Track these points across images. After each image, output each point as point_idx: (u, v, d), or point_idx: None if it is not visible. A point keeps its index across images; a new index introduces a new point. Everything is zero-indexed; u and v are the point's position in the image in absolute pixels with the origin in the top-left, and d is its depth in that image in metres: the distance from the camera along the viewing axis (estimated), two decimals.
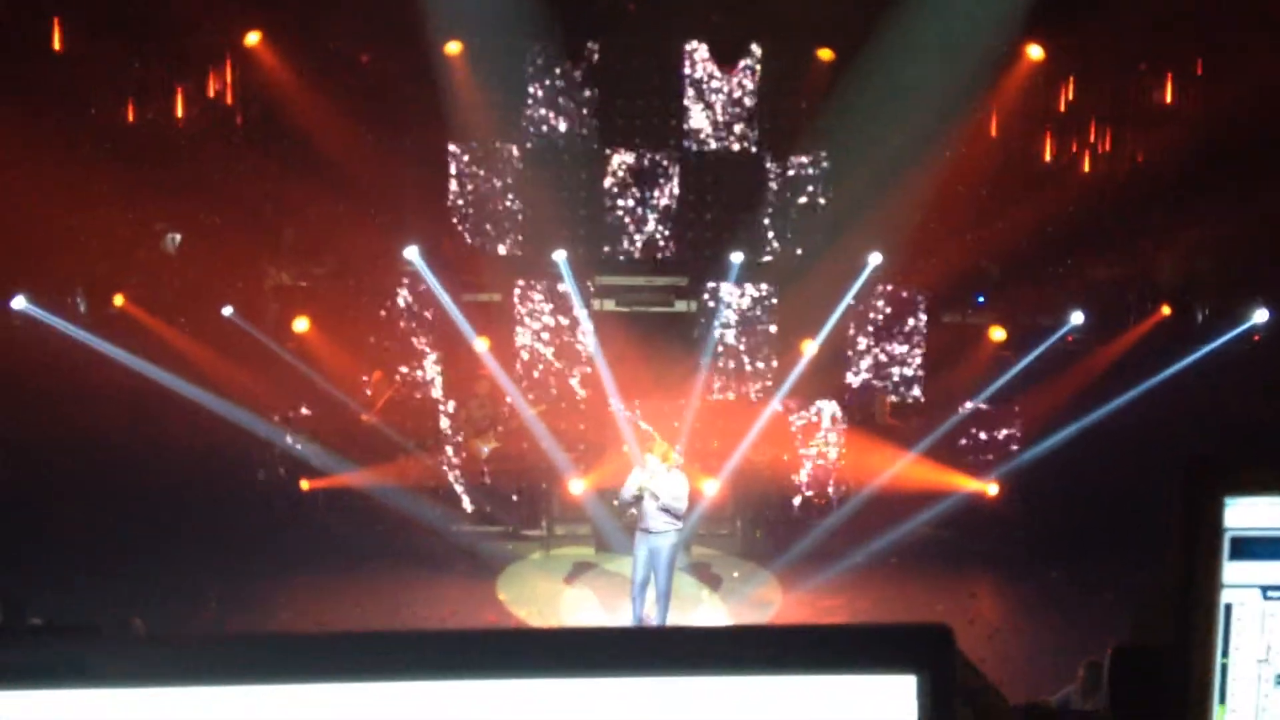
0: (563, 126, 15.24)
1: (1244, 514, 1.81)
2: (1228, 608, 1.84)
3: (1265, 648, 1.86)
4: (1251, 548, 1.82)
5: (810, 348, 14.20)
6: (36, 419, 12.11)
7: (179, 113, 14.63)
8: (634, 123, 15.39)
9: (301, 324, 14.39)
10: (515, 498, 13.99)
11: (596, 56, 15.02)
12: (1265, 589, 1.84)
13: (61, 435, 12.34)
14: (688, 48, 15.11)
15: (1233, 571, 1.83)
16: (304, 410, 14.05)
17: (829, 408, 14.50)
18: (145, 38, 14.08)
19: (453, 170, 15.23)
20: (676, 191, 15.52)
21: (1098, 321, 14.65)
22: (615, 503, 10.96)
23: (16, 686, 1.19)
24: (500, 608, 11.93)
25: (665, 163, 15.44)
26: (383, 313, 14.86)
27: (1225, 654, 1.84)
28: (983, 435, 14.50)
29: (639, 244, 15.54)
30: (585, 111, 15.21)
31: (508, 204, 15.34)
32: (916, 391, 15.22)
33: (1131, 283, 15.07)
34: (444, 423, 14.36)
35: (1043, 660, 9.70)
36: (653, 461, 10.52)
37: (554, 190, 15.41)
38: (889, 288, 15.10)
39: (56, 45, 13.53)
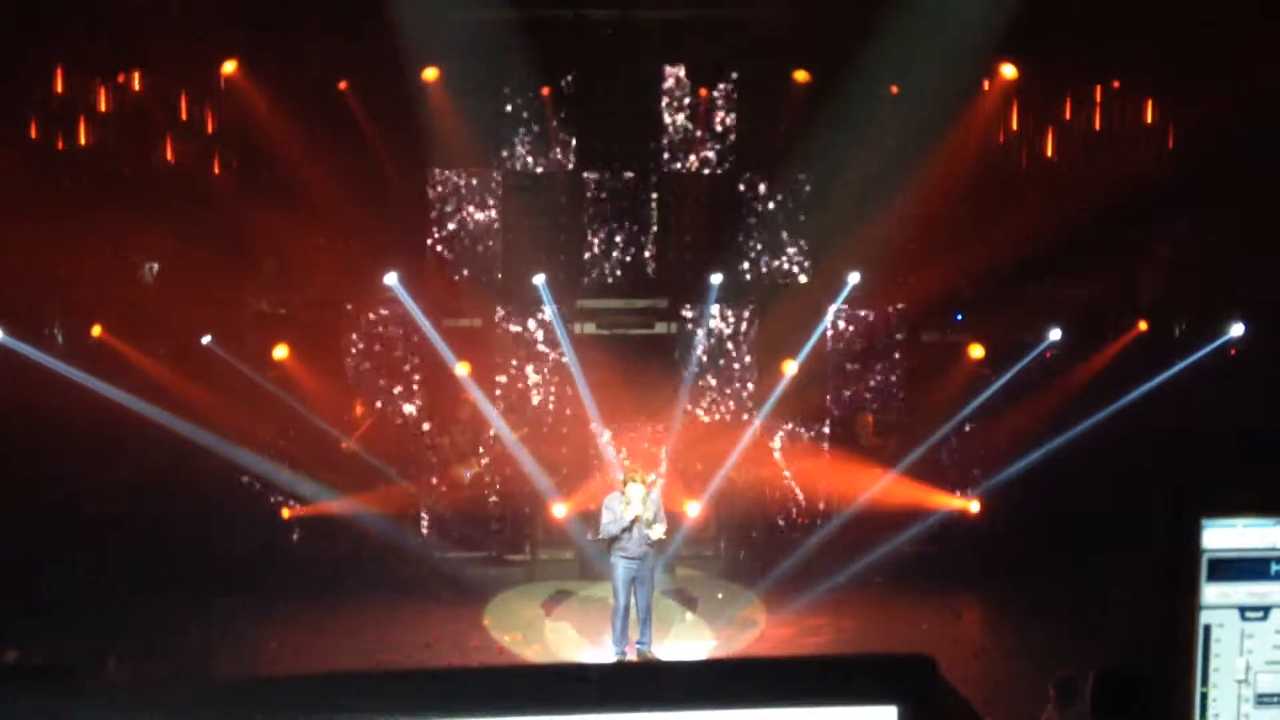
0: (541, 151, 15.26)
1: (1221, 536, 1.82)
2: (1207, 629, 1.85)
3: (1244, 668, 1.87)
4: (1229, 569, 1.84)
5: (791, 368, 14.22)
6: (12, 450, 12.03)
7: (157, 143, 14.59)
8: (612, 146, 15.39)
9: (281, 352, 14.31)
10: (498, 523, 13.96)
11: (574, 80, 15.06)
12: (1243, 609, 1.85)
13: (38, 466, 12.26)
14: (665, 71, 15.17)
15: (1211, 593, 1.84)
16: (284, 439, 14.00)
17: (810, 428, 14.55)
18: (122, 69, 14.05)
19: (432, 196, 15.23)
20: (655, 213, 15.54)
21: (1076, 338, 14.70)
22: (592, 537, 10.92)
23: None
24: (484, 633, 11.89)
25: (644, 185, 15.47)
26: (363, 339, 14.81)
27: (1206, 675, 1.85)
28: (964, 453, 14.54)
29: (618, 267, 15.55)
30: (563, 135, 15.24)
31: (487, 229, 15.33)
32: (896, 410, 15.23)
33: (1109, 299, 15.13)
34: (425, 447, 14.34)
35: (1028, 679, 9.69)
36: (636, 491, 10.48)
37: (533, 214, 15.41)
38: (868, 308, 15.13)
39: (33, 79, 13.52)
